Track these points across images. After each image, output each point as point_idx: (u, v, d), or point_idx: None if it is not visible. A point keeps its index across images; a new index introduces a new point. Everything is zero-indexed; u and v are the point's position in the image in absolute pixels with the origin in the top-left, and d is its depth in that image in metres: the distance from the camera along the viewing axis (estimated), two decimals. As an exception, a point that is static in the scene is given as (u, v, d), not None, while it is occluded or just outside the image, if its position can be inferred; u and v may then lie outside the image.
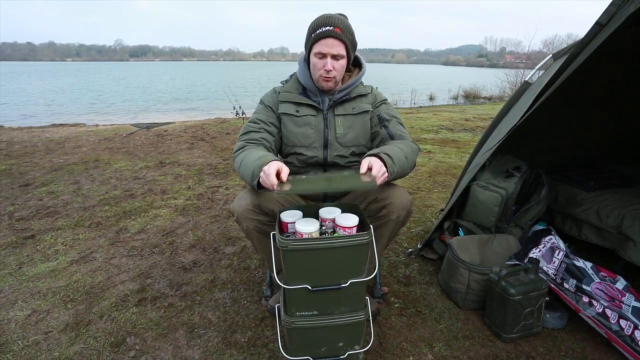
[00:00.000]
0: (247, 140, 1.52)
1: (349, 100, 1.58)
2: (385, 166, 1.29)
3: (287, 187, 1.21)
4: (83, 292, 1.86)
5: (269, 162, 1.26)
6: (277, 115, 1.58)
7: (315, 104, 1.56)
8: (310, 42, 1.47)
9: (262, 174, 1.25)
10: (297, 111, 1.56)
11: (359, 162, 1.60)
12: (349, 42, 1.46)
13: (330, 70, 1.46)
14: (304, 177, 1.40)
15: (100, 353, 1.47)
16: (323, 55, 1.45)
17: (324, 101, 1.58)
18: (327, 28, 1.41)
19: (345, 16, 1.49)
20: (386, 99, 1.67)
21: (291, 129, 1.56)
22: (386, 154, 1.33)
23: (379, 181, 1.25)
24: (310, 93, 1.58)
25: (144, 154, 4.62)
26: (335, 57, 1.45)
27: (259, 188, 1.32)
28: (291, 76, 1.66)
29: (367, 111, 1.59)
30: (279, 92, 1.60)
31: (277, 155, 1.61)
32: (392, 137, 1.57)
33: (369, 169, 1.28)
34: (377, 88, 1.71)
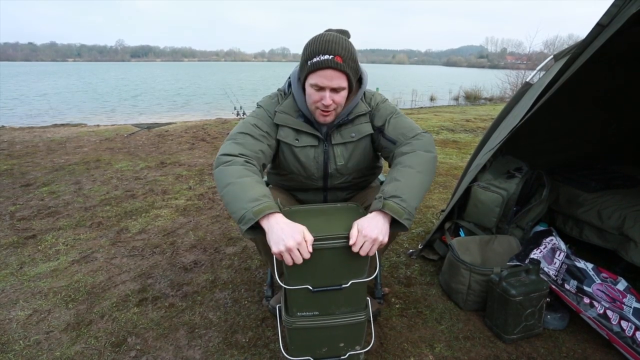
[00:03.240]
0: (243, 146, 1.29)
1: (346, 123, 1.41)
2: (395, 219, 1.12)
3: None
4: (84, 292, 1.86)
5: (268, 215, 1.08)
6: (276, 131, 1.41)
7: (316, 132, 1.40)
8: (306, 71, 1.26)
9: (291, 242, 1.04)
10: (297, 140, 1.40)
11: (360, 183, 1.56)
12: (352, 71, 1.27)
13: (329, 105, 1.28)
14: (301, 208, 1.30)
15: (101, 353, 1.47)
16: (320, 88, 1.26)
17: (322, 128, 1.41)
18: (326, 57, 1.20)
19: (346, 34, 1.32)
20: (382, 101, 1.47)
21: (290, 159, 1.44)
22: (394, 196, 1.14)
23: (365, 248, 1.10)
24: (309, 118, 1.40)
25: (145, 154, 4.63)
26: (335, 90, 1.27)
27: (246, 233, 1.11)
28: (289, 87, 1.44)
29: (368, 135, 1.43)
30: (276, 112, 1.40)
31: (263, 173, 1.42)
32: (394, 143, 1.37)
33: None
34: (378, 89, 1.62)
